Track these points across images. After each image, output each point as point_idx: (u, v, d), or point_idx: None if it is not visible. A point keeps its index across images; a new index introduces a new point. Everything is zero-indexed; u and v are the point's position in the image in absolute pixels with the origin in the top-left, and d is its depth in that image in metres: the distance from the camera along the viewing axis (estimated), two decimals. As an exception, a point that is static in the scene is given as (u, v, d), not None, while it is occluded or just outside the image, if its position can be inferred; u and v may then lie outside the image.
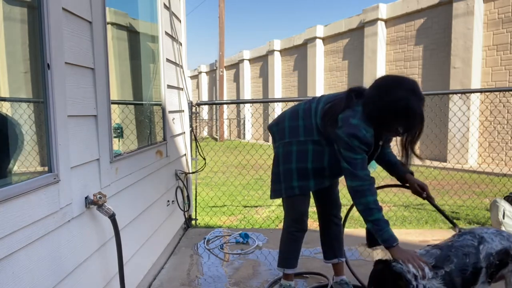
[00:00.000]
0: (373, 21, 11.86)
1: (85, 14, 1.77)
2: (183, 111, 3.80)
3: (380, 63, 11.82)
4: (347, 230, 3.16)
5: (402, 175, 2.25)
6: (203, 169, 3.91)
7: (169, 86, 3.25)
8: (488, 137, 8.91)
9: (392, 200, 5.19)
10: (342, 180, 2.44)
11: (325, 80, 14.72)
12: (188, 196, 3.83)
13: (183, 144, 3.78)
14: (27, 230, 1.35)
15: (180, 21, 3.71)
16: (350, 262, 2.64)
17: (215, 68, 22.42)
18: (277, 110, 15.18)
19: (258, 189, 6.41)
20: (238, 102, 6.61)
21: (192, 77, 27.21)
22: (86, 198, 1.75)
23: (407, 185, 2.25)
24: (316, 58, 14.66)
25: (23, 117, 1.52)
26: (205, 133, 22.89)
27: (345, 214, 2.58)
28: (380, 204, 1.94)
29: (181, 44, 3.70)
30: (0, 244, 1.23)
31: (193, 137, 4.03)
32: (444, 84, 9.75)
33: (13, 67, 1.51)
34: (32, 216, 1.38)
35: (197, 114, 4.34)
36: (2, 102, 1.48)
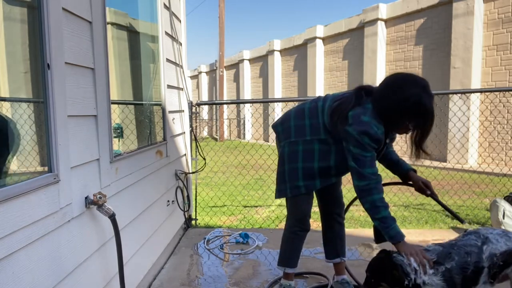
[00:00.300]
0: (373, 21, 11.86)
1: (85, 14, 1.77)
2: (183, 111, 3.80)
3: (380, 63, 11.83)
4: (346, 230, 3.16)
5: (405, 173, 2.24)
6: (203, 169, 3.91)
7: (169, 86, 3.25)
8: (488, 137, 8.91)
9: (392, 200, 5.19)
10: (343, 180, 2.45)
11: (325, 80, 14.72)
12: (188, 196, 3.83)
13: (183, 144, 3.78)
14: (27, 230, 1.35)
15: (180, 21, 3.71)
16: (350, 262, 2.64)
17: (215, 68, 22.42)
18: (277, 110, 15.18)
19: (258, 189, 6.41)
20: (238, 102, 6.62)
21: (192, 77, 27.22)
22: (86, 198, 1.75)
23: (410, 182, 2.25)
24: (316, 58, 14.66)
25: (23, 117, 1.52)
26: (205, 133, 22.89)
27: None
28: None
29: (181, 44, 3.70)
30: (0, 244, 1.23)
31: (193, 137, 4.03)
32: (444, 84, 9.75)
33: (13, 67, 1.51)
34: (32, 216, 1.38)
35: (197, 114, 4.34)
36: (2, 102, 1.48)
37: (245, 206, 5.55)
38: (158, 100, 3.06)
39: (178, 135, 3.57)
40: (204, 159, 3.82)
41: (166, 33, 3.17)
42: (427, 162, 8.75)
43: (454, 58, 9.52)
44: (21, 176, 1.47)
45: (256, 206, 5.55)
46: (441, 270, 1.77)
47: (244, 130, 19.94)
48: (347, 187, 2.51)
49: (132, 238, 2.34)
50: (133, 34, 2.78)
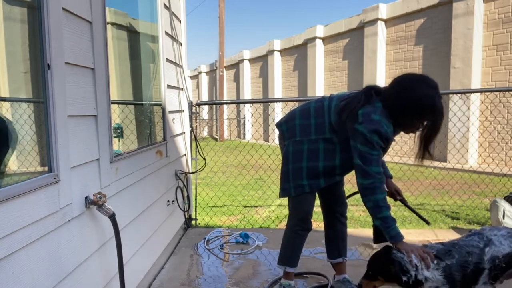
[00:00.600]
0: (373, 21, 11.86)
1: (85, 14, 1.77)
2: (183, 111, 3.80)
3: (380, 63, 11.83)
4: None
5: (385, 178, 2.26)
6: (203, 169, 3.91)
7: (169, 86, 3.25)
8: (488, 137, 8.91)
9: (391, 200, 5.19)
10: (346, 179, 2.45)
11: (325, 80, 14.72)
12: (188, 196, 3.83)
13: (183, 144, 3.78)
14: (27, 230, 1.35)
15: (180, 21, 3.71)
16: (350, 262, 2.64)
17: (215, 68, 22.42)
18: (277, 110, 15.18)
19: (258, 189, 6.41)
20: (238, 102, 6.61)
21: (192, 77, 27.22)
22: (86, 198, 1.75)
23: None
24: (316, 58, 14.66)
25: (23, 117, 1.52)
26: (205, 133, 22.89)
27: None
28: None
29: (181, 44, 3.70)
30: (0, 244, 1.23)
31: (193, 137, 4.03)
32: (444, 84, 9.75)
33: (13, 67, 1.51)
34: (32, 216, 1.38)
35: (197, 114, 4.34)
36: (2, 102, 1.47)
37: (245, 206, 5.55)
38: (158, 100, 3.06)
39: (178, 135, 3.57)
40: (204, 159, 3.82)
41: (166, 33, 3.17)
42: (427, 162, 8.73)
43: (454, 58, 9.52)
44: (21, 176, 1.47)
45: (256, 206, 5.55)
46: (442, 266, 1.78)
47: (244, 130, 19.95)
48: (347, 187, 2.51)
49: (132, 238, 2.34)
50: (133, 34, 2.78)
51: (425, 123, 1.93)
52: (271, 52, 17.50)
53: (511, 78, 8.67)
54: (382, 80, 11.87)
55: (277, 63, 17.42)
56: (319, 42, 14.64)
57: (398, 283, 1.85)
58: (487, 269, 1.79)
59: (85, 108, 1.77)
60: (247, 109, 19.17)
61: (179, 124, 3.61)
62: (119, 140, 2.39)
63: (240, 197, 5.96)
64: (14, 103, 1.52)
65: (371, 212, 1.98)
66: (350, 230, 3.72)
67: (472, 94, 8.61)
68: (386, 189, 2.28)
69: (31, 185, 1.37)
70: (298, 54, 16.08)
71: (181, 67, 3.64)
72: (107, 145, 1.96)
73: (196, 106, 4.09)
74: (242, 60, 20.20)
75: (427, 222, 2.51)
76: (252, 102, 4.53)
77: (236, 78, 21.28)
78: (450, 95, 8.78)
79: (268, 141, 16.43)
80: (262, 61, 18.87)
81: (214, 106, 19.81)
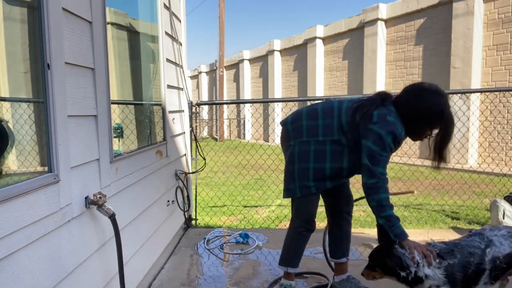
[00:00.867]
0: (373, 21, 11.86)
1: (85, 14, 1.77)
2: (183, 111, 3.80)
3: (380, 63, 11.83)
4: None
5: None
6: (203, 169, 3.91)
7: (169, 86, 3.25)
8: (488, 137, 8.91)
9: (392, 200, 5.18)
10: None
11: (325, 80, 14.72)
12: (188, 196, 3.83)
13: (183, 144, 3.78)
14: (27, 230, 1.35)
15: (180, 21, 3.71)
16: (350, 262, 2.64)
17: (215, 68, 22.42)
18: (277, 110, 15.18)
19: (258, 189, 6.41)
20: (238, 102, 6.61)
21: (192, 77, 27.22)
22: (86, 198, 1.75)
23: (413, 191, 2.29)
24: (316, 58, 14.66)
25: (23, 117, 1.52)
26: (205, 133, 22.89)
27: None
28: None
29: (181, 44, 3.70)
30: (0, 244, 1.23)
31: (193, 137, 4.03)
32: (444, 84, 9.74)
33: (13, 67, 1.51)
34: (32, 216, 1.38)
35: (197, 114, 4.34)
36: (2, 102, 1.47)
37: (245, 206, 5.55)
38: (158, 100, 3.06)
39: (178, 135, 3.57)
40: (204, 159, 3.82)
41: (166, 33, 3.17)
42: (427, 162, 8.77)
43: (454, 58, 9.52)
44: (21, 176, 1.47)
45: (256, 206, 5.55)
46: (444, 265, 1.79)
47: (244, 130, 19.95)
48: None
49: (132, 238, 2.34)
50: (133, 34, 2.78)
51: (434, 130, 2.00)
52: (271, 52, 17.50)
53: (511, 78, 8.67)
54: (382, 80, 11.87)
55: (277, 63, 17.42)
56: (319, 42, 14.64)
57: (396, 277, 1.87)
58: (488, 269, 1.79)
59: (85, 108, 1.77)
60: (247, 109, 19.17)
61: (179, 124, 3.61)
62: (119, 140, 2.39)
63: (240, 197, 5.96)
64: (14, 103, 1.52)
65: (374, 211, 2.02)
66: (350, 230, 3.73)
67: (472, 94, 8.61)
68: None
69: (31, 185, 1.37)
70: (298, 54, 16.08)
71: (181, 67, 3.64)
72: (107, 145, 1.96)
73: (196, 106, 4.09)
74: (242, 60, 20.20)
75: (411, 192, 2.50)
76: (252, 102, 4.53)
77: (236, 78, 21.28)
78: (450, 95, 8.73)
79: (268, 141, 16.42)
80: (262, 61, 18.87)
81: (214, 106, 19.82)
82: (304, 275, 2.76)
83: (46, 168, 1.52)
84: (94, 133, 1.86)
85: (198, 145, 3.86)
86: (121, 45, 2.61)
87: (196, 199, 4.26)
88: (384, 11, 11.61)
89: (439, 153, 2.01)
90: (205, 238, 3.60)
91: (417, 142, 2.04)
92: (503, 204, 3.59)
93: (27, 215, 1.35)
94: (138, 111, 2.85)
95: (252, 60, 19.84)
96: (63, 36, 1.58)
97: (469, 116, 8.40)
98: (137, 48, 2.86)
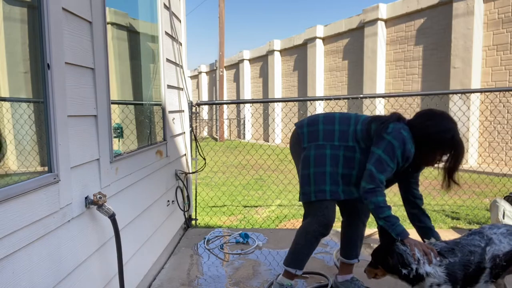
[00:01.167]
0: (373, 21, 11.86)
1: (85, 14, 1.77)
2: (183, 111, 3.80)
3: (380, 63, 11.83)
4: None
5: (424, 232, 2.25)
6: (203, 169, 3.91)
7: (169, 86, 3.25)
8: (488, 137, 8.91)
9: (392, 200, 5.19)
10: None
11: (325, 80, 14.73)
12: (188, 196, 3.83)
13: (183, 144, 3.78)
14: (27, 230, 1.35)
15: (180, 21, 3.71)
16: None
17: (215, 68, 22.43)
18: (277, 110, 15.18)
19: (258, 189, 6.42)
20: (238, 102, 6.63)
21: (192, 77, 27.23)
22: (86, 198, 1.75)
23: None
24: (316, 58, 14.67)
25: (23, 117, 1.52)
26: (205, 133, 22.90)
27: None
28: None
29: (181, 44, 3.70)
30: (0, 244, 1.23)
31: (193, 137, 4.03)
32: (444, 84, 9.75)
33: (13, 67, 1.50)
34: (32, 216, 1.38)
35: (197, 114, 4.35)
36: (2, 102, 1.47)
37: (245, 206, 5.55)
38: (158, 100, 3.06)
39: (178, 135, 3.57)
40: (204, 159, 3.82)
41: (166, 33, 3.17)
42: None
43: (454, 58, 9.52)
44: (21, 176, 1.47)
45: (256, 206, 5.55)
46: (444, 263, 1.79)
47: (244, 130, 19.95)
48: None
49: (132, 238, 2.34)
50: (133, 34, 2.78)
51: (444, 156, 2.04)
52: (271, 52, 17.50)
53: (511, 78, 8.67)
54: (382, 80, 11.87)
55: (277, 63, 17.42)
56: (319, 42, 14.64)
57: (398, 275, 1.87)
58: (489, 268, 1.79)
59: (85, 108, 1.77)
60: (247, 109, 19.17)
61: (179, 124, 3.61)
62: (119, 140, 2.39)
63: (240, 197, 5.96)
64: (14, 103, 1.52)
65: (373, 213, 2.05)
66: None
67: (472, 94, 8.62)
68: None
69: (31, 185, 1.37)
70: (298, 54, 16.08)
71: (181, 67, 3.64)
72: (107, 145, 1.96)
73: (196, 106, 4.09)
74: (242, 60, 20.21)
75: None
76: (252, 102, 4.53)
77: (236, 78, 21.28)
78: (450, 95, 8.79)
79: (268, 141, 16.43)
80: (262, 61, 18.88)
81: (214, 106, 19.82)
82: (304, 275, 2.76)
83: (46, 168, 1.52)
84: (94, 133, 1.86)
85: (198, 145, 3.86)
86: (121, 45, 2.61)
87: (196, 199, 4.26)
88: (384, 11, 11.62)
89: (450, 177, 2.06)
90: (205, 238, 3.60)
91: (442, 173, 2.09)
92: (503, 204, 3.59)
93: (27, 215, 1.35)
94: (138, 111, 2.85)
95: (252, 60, 19.84)
96: (63, 36, 1.58)
97: (469, 116, 8.41)
98: (137, 48, 2.86)
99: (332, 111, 2.37)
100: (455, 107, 8.36)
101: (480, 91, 6.42)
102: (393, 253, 1.87)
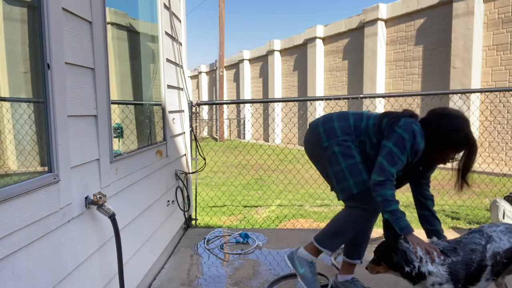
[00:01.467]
0: (373, 21, 11.86)
1: (85, 14, 1.77)
2: (183, 111, 3.80)
3: (380, 63, 11.83)
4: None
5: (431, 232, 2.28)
6: (203, 169, 3.91)
7: (169, 86, 3.25)
8: (488, 137, 8.91)
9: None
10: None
11: (325, 80, 14.72)
12: (188, 196, 3.83)
13: (183, 144, 3.78)
14: (27, 230, 1.35)
15: (180, 21, 3.71)
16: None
17: (215, 68, 22.43)
18: (277, 110, 15.18)
19: (258, 189, 6.42)
20: (238, 102, 6.64)
21: (192, 77, 27.23)
22: (86, 198, 1.75)
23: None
24: (316, 58, 14.67)
25: (23, 117, 1.52)
26: (205, 133, 22.90)
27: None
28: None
29: (181, 44, 3.70)
30: (0, 244, 1.23)
31: (193, 137, 4.03)
32: (444, 84, 9.75)
33: (13, 67, 1.51)
34: (32, 216, 1.38)
35: (197, 114, 4.34)
36: (2, 102, 1.47)
37: (245, 206, 5.55)
38: (158, 100, 3.06)
39: (178, 135, 3.57)
40: (204, 159, 3.82)
41: (166, 33, 3.17)
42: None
43: (454, 58, 9.52)
44: (21, 176, 1.47)
45: (256, 206, 5.55)
46: (447, 262, 1.79)
47: (244, 130, 19.95)
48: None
49: (132, 238, 2.34)
50: (133, 34, 2.78)
51: (456, 155, 2.06)
52: (271, 52, 17.50)
53: (511, 78, 8.67)
54: (382, 80, 11.87)
55: (277, 63, 17.42)
56: (319, 42, 14.64)
57: (400, 272, 1.87)
58: (490, 265, 1.80)
59: (85, 108, 1.77)
60: (247, 109, 19.18)
61: (179, 124, 3.61)
62: (119, 140, 2.39)
63: (240, 197, 5.96)
64: (14, 103, 1.52)
65: (380, 206, 2.04)
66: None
67: (472, 94, 8.61)
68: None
69: (31, 185, 1.37)
70: (298, 54, 16.08)
71: (181, 67, 3.64)
72: (107, 145, 1.96)
73: (196, 106, 4.09)
74: (242, 60, 20.21)
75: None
76: (252, 102, 4.53)
77: (236, 78, 21.28)
78: (450, 95, 8.77)
79: (268, 141, 16.43)
80: (262, 61, 18.88)
81: (214, 106, 19.82)
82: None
83: (46, 168, 1.52)
84: (94, 133, 1.86)
85: (198, 145, 3.86)
86: (121, 45, 2.61)
87: (196, 199, 4.26)
88: (384, 11, 11.62)
89: (463, 177, 2.10)
90: (205, 238, 3.60)
91: (455, 173, 2.12)
92: (503, 204, 3.59)
93: (27, 215, 1.35)
94: (138, 111, 2.85)
95: (252, 60, 19.84)
96: (63, 36, 1.58)
97: (469, 116, 8.35)
98: (137, 48, 2.86)
99: (345, 111, 2.38)
100: (455, 107, 8.35)
101: (480, 91, 6.42)
102: (396, 250, 1.88)
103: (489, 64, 9.08)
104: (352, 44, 13.17)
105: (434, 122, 2.07)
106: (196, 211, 4.26)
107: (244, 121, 19.88)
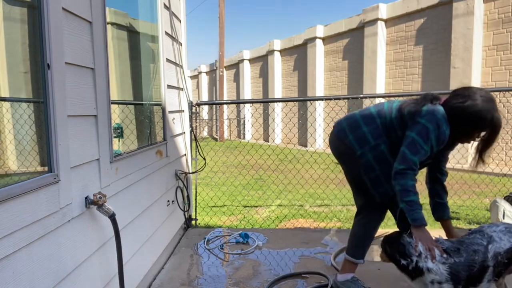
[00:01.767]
0: (373, 21, 11.86)
1: (85, 14, 1.77)
2: (183, 111, 3.80)
3: (380, 63, 11.83)
4: (346, 230, 3.15)
5: (441, 218, 2.39)
6: (203, 169, 3.91)
7: (169, 86, 3.25)
8: (488, 137, 8.90)
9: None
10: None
11: (325, 80, 14.72)
12: (188, 196, 3.83)
13: (183, 144, 3.78)
14: (27, 230, 1.35)
15: (180, 21, 3.71)
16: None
17: (215, 68, 22.43)
18: (277, 110, 15.18)
19: (258, 189, 6.42)
20: (238, 102, 6.66)
21: (192, 77, 27.23)
22: (86, 198, 1.75)
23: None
24: (316, 58, 14.66)
25: (23, 117, 1.52)
26: (205, 133, 22.90)
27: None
28: None
29: (181, 44, 3.70)
30: (0, 244, 1.23)
31: (193, 137, 4.03)
32: (444, 84, 9.75)
33: (13, 67, 1.51)
34: (32, 216, 1.38)
35: (197, 114, 4.35)
36: (2, 102, 1.48)
37: (245, 206, 5.55)
38: (158, 100, 3.06)
39: (178, 135, 3.57)
40: (204, 159, 3.82)
41: (166, 33, 3.17)
42: (427, 162, 8.74)
43: (454, 58, 9.52)
44: (21, 176, 1.47)
45: (256, 206, 5.55)
46: (449, 262, 1.79)
47: (244, 130, 19.95)
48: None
49: (132, 238, 2.34)
50: (133, 34, 2.78)
51: (481, 134, 2.03)
52: (271, 52, 17.50)
53: (511, 78, 8.67)
54: (382, 80, 11.87)
55: (277, 63, 17.42)
56: (319, 42, 14.64)
57: (396, 264, 1.91)
58: (491, 266, 1.79)
59: (85, 108, 1.77)
60: (247, 109, 19.18)
61: (179, 124, 3.61)
62: (119, 140, 2.39)
63: (240, 197, 5.96)
64: (14, 103, 1.52)
65: (398, 195, 2.02)
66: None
67: (472, 94, 8.61)
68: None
69: (31, 185, 1.37)
70: (298, 54, 16.08)
71: (181, 67, 3.65)
72: (107, 145, 1.96)
73: (196, 106, 4.09)
74: (242, 60, 20.21)
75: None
76: (252, 102, 4.53)
77: (236, 78, 21.28)
78: (450, 95, 8.78)
79: (268, 141, 16.43)
80: (262, 61, 18.88)
81: (214, 106, 19.82)
82: (304, 275, 2.76)
83: (46, 168, 1.52)
84: (94, 133, 1.86)
85: (198, 145, 3.86)
86: (121, 45, 2.61)
87: (196, 199, 4.26)
88: (384, 11, 11.62)
89: (480, 155, 2.06)
90: (205, 238, 3.60)
91: (474, 151, 2.10)
92: (503, 204, 3.59)
93: (27, 215, 1.35)
94: (138, 111, 2.85)
95: (252, 60, 19.84)
96: (63, 36, 1.58)
97: (469, 116, 8.40)
98: (137, 48, 2.86)
99: (365, 108, 2.34)
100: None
101: (480, 91, 6.43)
102: (394, 243, 1.89)
103: (489, 64, 9.08)
104: (352, 44, 13.17)
105: (459, 105, 2.01)
106: (196, 211, 4.26)
107: (244, 121, 19.88)
